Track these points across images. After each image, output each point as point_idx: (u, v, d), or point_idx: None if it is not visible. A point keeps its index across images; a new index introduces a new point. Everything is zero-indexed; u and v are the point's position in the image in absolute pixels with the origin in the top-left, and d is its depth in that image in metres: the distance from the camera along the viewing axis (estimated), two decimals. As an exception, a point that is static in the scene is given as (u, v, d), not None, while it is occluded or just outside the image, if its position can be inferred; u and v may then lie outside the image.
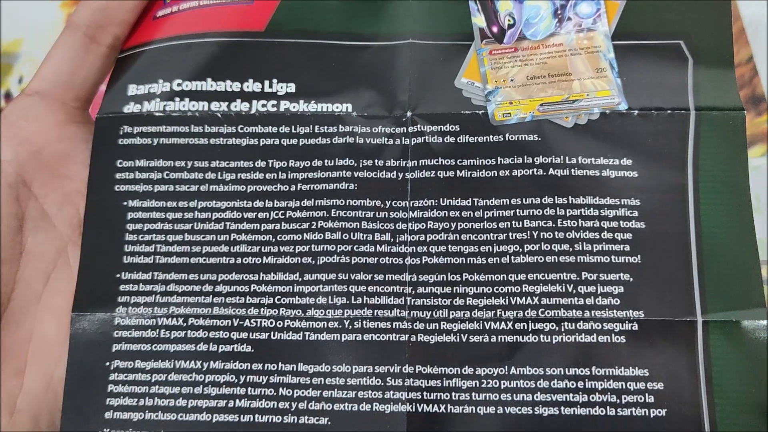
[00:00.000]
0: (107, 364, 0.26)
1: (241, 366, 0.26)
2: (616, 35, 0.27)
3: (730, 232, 0.25)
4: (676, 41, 0.27)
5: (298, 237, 0.27)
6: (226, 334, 0.26)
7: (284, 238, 0.27)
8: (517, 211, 0.26)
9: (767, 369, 0.24)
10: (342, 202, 0.27)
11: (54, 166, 0.27)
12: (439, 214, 0.26)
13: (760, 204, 0.33)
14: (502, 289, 0.25)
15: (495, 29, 0.28)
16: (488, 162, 0.27)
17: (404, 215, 0.26)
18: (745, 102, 0.34)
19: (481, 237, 0.26)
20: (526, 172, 0.26)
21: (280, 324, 0.26)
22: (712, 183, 0.26)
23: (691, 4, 0.27)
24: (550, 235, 0.26)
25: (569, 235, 0.26)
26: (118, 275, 0.27)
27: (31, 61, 0.41)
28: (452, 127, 0.27)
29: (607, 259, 0.25)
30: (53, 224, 0.27)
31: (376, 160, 0.27)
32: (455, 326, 0.25)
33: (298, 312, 0.26)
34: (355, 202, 0.27)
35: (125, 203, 0.27)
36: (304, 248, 0.26)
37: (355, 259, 0.26)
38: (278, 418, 0.25)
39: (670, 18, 0.27)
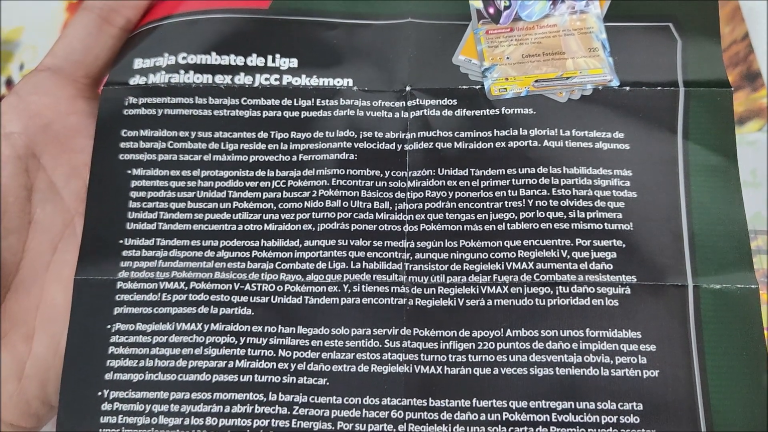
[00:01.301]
0: (108, 326, 0.27)
1: (241, 328, 0.26)
2: (607, 17, 0.29)
3: (719, 201, 0.27)
4: (665, 23, 0.29)
5: (299, 205, 0.28)
6: (226, 298, 0.27)
7: (285, 206, 0.28)
8: (513, 180, 0.27)
9: (756, 332, 0.25)
10: (342, 172, 0.28)
11: (63, 140, 0.29)
12: (436, 183, 0.27)
13: (757, 178, 0.34)
14: (497, 255, 0.27)
15: (491, 10, 0.29)
16: (485, 134, 0.28)
17: (403, 185, 0.28)
18: (741, 79, 0.36)
19: (477, 205, 0.27)
20: (522, 143, 0.28)
21: (280, 288, 0.27)
22: (702, 155, 0.27)
23: None
24: (544, 203, 0.27)
25: (563, 203, 0.27)
26: (120, 241, 0.28)
27: (32, 49, 0.42)
28: (450, 101, 0.28)
29: (600, 226, 0.27)
30: (61, 196, 0.28)
31: (375, 132, 0.28)
32: (452, 291, 0.26)
33: (298, 277, 0.27)
34: (354, 172, 0.28)
35: (129, 171, 0.28)
36: (304, 215, 0.28)
37: (354, 226, 0.27)
38: (277, 378, 0.26)
39: (659, 2, 0.29)
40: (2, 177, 0.27)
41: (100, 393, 0.26)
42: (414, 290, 0.26)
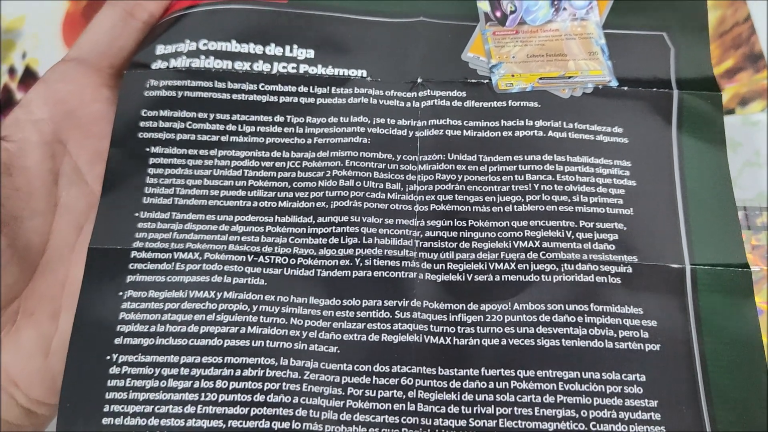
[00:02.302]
0: (120, 293, 0.27)
1: (254, 297, 0.27)
2: (606, 25, 0.32)
3: (712, 191, 0.29)
4: (659, 33, 0.31)
5: (313, 184, 0.29)
6: (240, 269, 0.28)
7: (299, 184, 0.29)
8: (519, 166, 0.29)
9: (749, 309, 0.27)
10: (356, 154, 0.29)
11: (87, 126, 0.30)
12: (446, 167, 0.29)
13: (760, 158, 0.36)
14: (505, 234, 0.28)
15: (498, 14, 0.32)
16: (492, 124, 0.30)
17: (414, 168, 0.29)
18: (743, 60, 0.39)
19: (485, 188, 0.29)
20: (527, 133, 0.30)
21: (293, 261, 0.28)
22: (695, 149, 0.29)
23: (672, 3, 0.32)
24: (549, 187, 0.29)
25: (567, 188, 0.29)
26: (136, 214, 0.29)
27: (34, 37, 0.43)
28: (459, 93, 0.30)
29: (602, 210, 0.28)
30: (85, 180, 0.29)
31: (387, 119, 0.30)
32: (461, 266, 0.28)
33: (311, 251, 0.28)
34: (367, 155, 0.29)
35: (148, 149, 0.30)
36: (318, 194, 0.29)
37: (366, 204, 0.29)
38: (289, 345, 0.27)
39: (653, 13, 0.32)
40: (30, 161, 0.28)
41: (108, 357, 0.26)
42: (424, 265, 0.28)
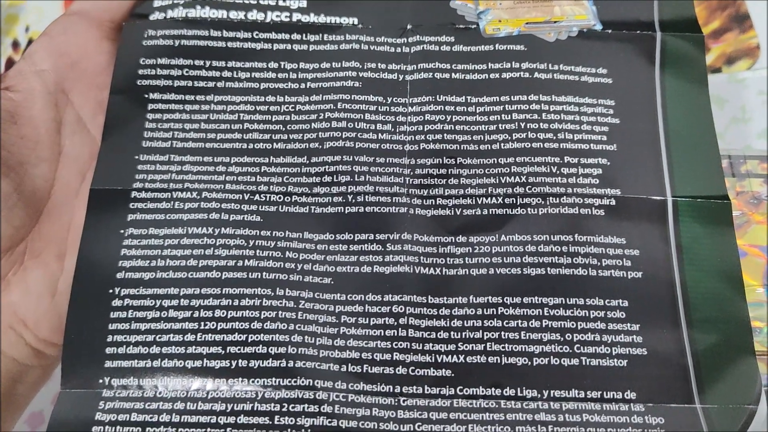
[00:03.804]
0: (121, 231, 0.29)
1: (250, 232, 0.29)
2: (590, -28, 0.33)
3: (693, 128, 0.30)
4: None
5: (307, 126, 0.31)
6: (236, 206, 0.29)
7: (293, 127, 0.31)
8: (506, 106, 0.30)
9: (728, 239, 0.28)
10: (347, 97, 0.31)
11: (89, 78, 0.31)
12: (435, 108, 0.31)
13: (746, 114, 0.38)
14: (492, 171, 0.30)
15: (486, -38, 0.33)
16: (480, 66, 0.31)
17: (404, 110, 0.31)
18: (730, 21, 0.40)
19: (473, 128, 0.30)
20: (514, 75, 0.31)
21: (288, 199, 0.29)
22: (677, 88, 0.31)
23: None
24: (535, 125, 0.30)
25: (552, 126, 0.30)
26: (136, 156, 0.30)
27: (37, 11, 0.44)
28: (448, 38, 0.32)
29: (586, 146, 0.30)
30: (88, 129, 0.31)
31: (378, 64, 0.31)
32: (450, 201, 0.29)
33: (305, 189, 0.30)
34: (359, 97, 0.31)
35: (146, 95, 0.31)
36: (311, 135, 0.30)
37: (358, 144, 0.30)
38: (284, 276, 0.28)
39: None
40: (34, 111, 0.29)
41: (111, 290, 0.28)
42: (414, 201, 0.29)
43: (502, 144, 0.29)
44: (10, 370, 0.28)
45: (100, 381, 0.26)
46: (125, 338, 0.27)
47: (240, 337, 0.27)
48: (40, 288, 0.28)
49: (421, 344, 0.27)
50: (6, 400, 0.27)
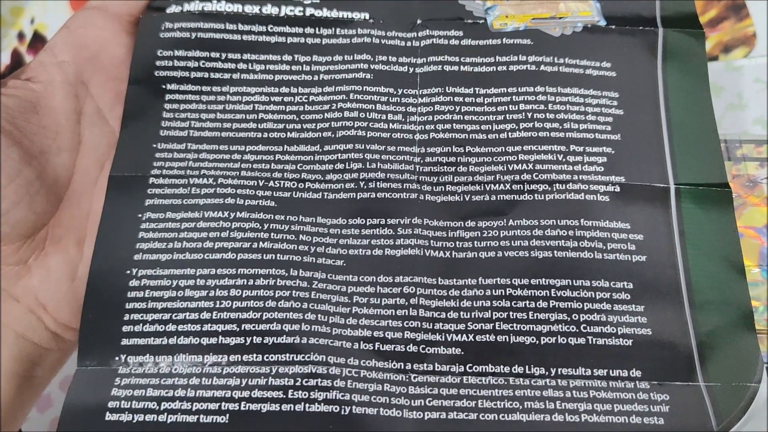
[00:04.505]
0: (139, 215, 0.30)
1: (265, 216, 0.30)
2: (594, -28, 0.34)
3: (694, 119, 0.31)
4: None
5: (320, 116, 0.32)
6: (251, 192, 0.30)
7: (307, 117, 0.32)
8: (513, 97, 0.32)
9: (728, 224, 0.30)
10: (359, 88, 0.32)
11: (108, 70, 0.32)
12: (445, 99, 0.32)
13: (742, 100, 0.39)
14: (500, 158, 0.31)
15: (493, -39, 0.35)
16: (487, 60, 0.32)
17: (414, 101, 0.32)
18: (726, 10, 0.41)
19: (481, 118, 0.31)
20: (521, 67, 0.32)
21: (301, 185, 0.30)
22: (679, 81, 0.32)
23: None
24: (542, 116, 0.31)
25: (558, 116, 0.31)
26: (154, 145, 0.31)
27: (42, 4, 0.46)
28: (456, 33, 0.33)
29: (591, 136, 0.31)
30: (107, 120, 0.32)
31: (389, 57, 0.33)
32: (459, 188, 0.30)
33: (318, 176, 0.31)
34: (371, 89, 0.32)
35: (164, 86, 0.32)
36: (324, 125, 0.31)
37: (370, 133, 0.31)
38: (298, 258, 0.29)
39: None
40: (55, 101, 0.30)
41: (128, 271, 0.29)
42: (424, 187, 0.30)
43: (510, 133, 0.30)
44: (29, 353, 0.28)
45: (116, 358, 0.27)
46: (142, 317, 0.28)
47: (254, 315, 0.28)
48: (60, 273, 0.29)
49: (431, 323, 0.28)
50: (25, 383, 0.28)
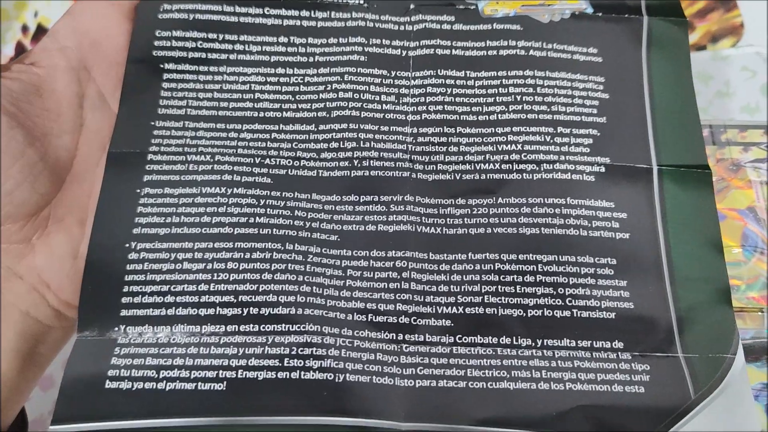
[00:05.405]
0: (138, 190, 0.31)
1: (261, 192, 0.31)
2: (582, -40, 0.36)
3: (677, 104, 0.33)
4: None
5: (315, 96, 0.33)
6: (248, 169, 0.31)
7: (302, 97, 0.33)
8: (503, 80, 0.33)
9: (707, 204, 0.31)
10: (354, 70, 0.33)
11: (110, 56, 0.33)
12: (437, 81, 0.33)
13: (730, 88, 0.41)
14: (490, 139, 0.32)
15: (484, -51, 0.36)
16: (478, 44, 0.34)
17: (407, 83, 0.33)
18: (714, 0, 0.43)
19: (472, 100, 0.33)
20: (510, 52, 0.34)
21: (297, 163, 0.32)
22: (662, 68, 0.33)
23: None
24: (530, 98, 0.33)
25: (546, 99, 0.33)
26: (152, 122, 0.32)
27: None
28: (448, 18, 0.34)
29: (578, 118, 0.32)
30: (108, 105, 0.33)
31: (383, 40, 0.34)
32: (450, 167, 0.32)
33: (313, 154, 0.32)
34: (365, 71, 0.33)
35: (162, 66, 0.33)
36: (319, 105, 0.33)
37: (363, 114, 0.32)
38: (293, 232, 0.30)
39: None
40: (58, 85, 0.31)
41: (127, 244, 0.30)
42: (416, 166, 0.31)
43: (499, 115, 0.32)
44: (33, 330, 0.29)
45: (116, 329, 0.28)
46: (141, 288, 0.29)
47: (251, 287, 0.29)
48: (63, 251, 0.30)
49: (422, 296, 0.29)
50: (29, 360, 0.29)
